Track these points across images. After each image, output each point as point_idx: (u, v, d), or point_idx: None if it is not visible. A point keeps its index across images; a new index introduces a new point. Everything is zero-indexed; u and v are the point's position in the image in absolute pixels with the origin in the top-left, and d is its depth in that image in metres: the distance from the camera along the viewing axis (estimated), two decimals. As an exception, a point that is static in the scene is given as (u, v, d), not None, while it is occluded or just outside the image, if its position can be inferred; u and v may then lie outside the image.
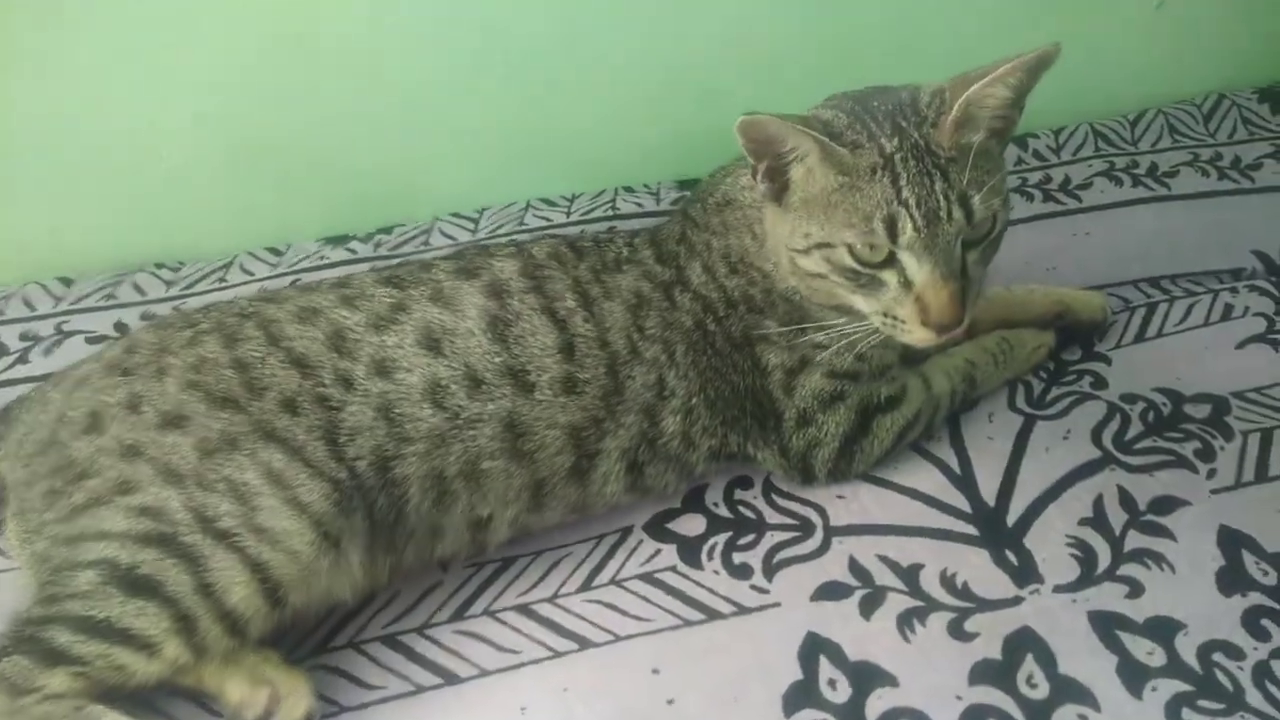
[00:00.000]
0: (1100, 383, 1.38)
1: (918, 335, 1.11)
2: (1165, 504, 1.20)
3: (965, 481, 1.26)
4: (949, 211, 1.05)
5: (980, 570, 1.15)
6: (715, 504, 1.26)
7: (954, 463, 1.28)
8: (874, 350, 1.24)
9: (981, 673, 1.04)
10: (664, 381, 1.21)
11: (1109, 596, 1.11)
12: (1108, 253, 1.58)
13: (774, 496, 1.26)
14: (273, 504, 1.02)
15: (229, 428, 1.06)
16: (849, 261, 1.09)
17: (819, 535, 1.21)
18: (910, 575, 1.15)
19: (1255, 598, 1.09)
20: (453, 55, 1.67)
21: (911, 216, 1.04)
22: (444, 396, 1.13)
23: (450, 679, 1.07)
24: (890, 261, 1.08)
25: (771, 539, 1.21)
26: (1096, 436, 1.30)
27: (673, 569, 1.18)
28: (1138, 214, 1.64)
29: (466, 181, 1.78)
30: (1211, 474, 1.23)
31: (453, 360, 1.14)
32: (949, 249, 1.06)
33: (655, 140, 1.76)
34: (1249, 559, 1.13)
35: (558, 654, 1.09)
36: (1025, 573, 1.14)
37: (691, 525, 1.24)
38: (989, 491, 1.24)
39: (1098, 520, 1.19)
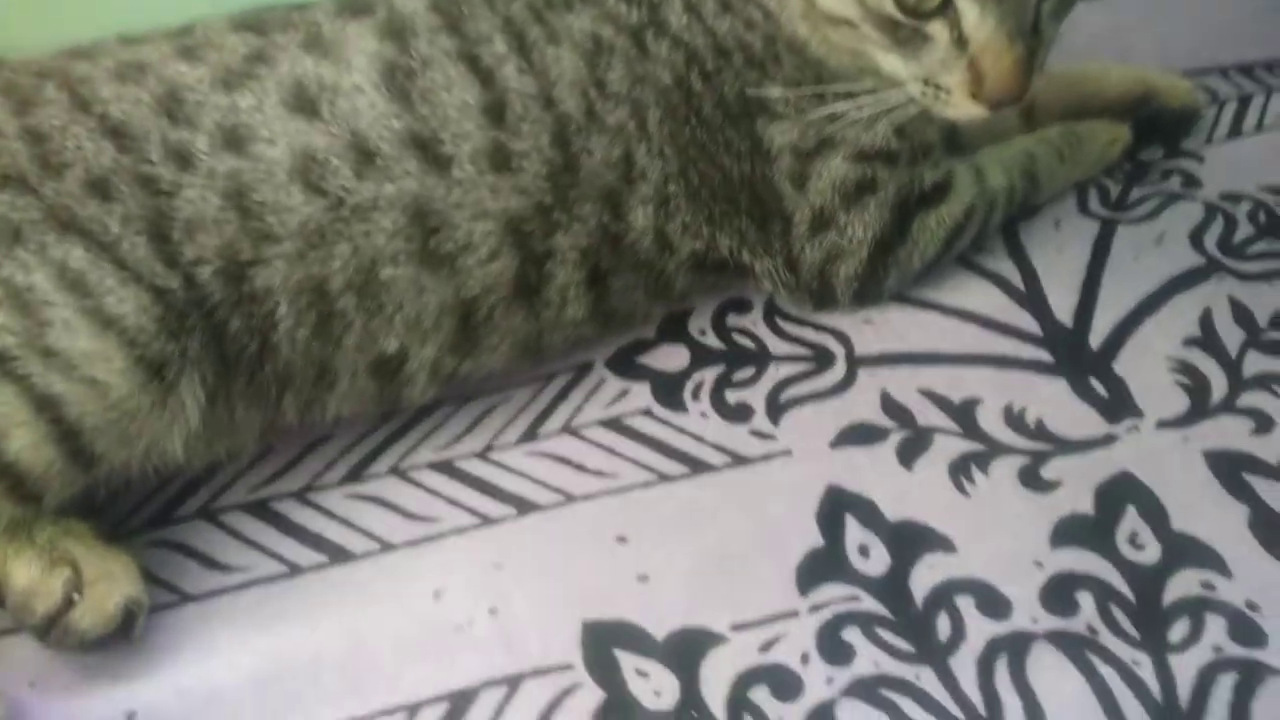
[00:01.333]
0: (1192, 181, 1.08)
1: (963, 109, 0.83)
2: (1292, 317, 0.92)
3: (1032, 299, 0.96)
4: None
5: (1058, 404, 0.87)
6: (701, 331, 0.96)
7: (1015, 277, 0.99)
8: (914, 123, 0.93)
9: (1068, 532, 0.78)
10: (631, 158, 0.90)
11: (1230, 432, 0.85)
12: (1187, 34, 1.26)
13: (779, 321, 0.96)
14: (67, 316, 0.72)
15: (10, 213, 0.75)
16: (889, 7, 0.80)
17: (840, 366, 0.91)
18: (964, 413, 0.87)
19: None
20: None
21: None
22: (321, 175, 0.81)
23: (339, 556, 0.79)
24: (944, 9, 0.79)
25: (777, 372, 0.91)
26: (1197, 240, 1.00)
27: (645, 412, 0.89)
28: (1220, -9, 1.32)
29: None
30: (1344, 283, 0.95)
31: (333, 125, 0.83)
32: None
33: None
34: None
35: (488, 520, 0.81)
36: (1118, 405, 0.87)
37: (670, 358, 0.94)
38: (1064, 309, 0.95)
39: (1207, 339, 0.91)
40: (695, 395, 0.90)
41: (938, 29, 0.80)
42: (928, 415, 0.86)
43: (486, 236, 0.85)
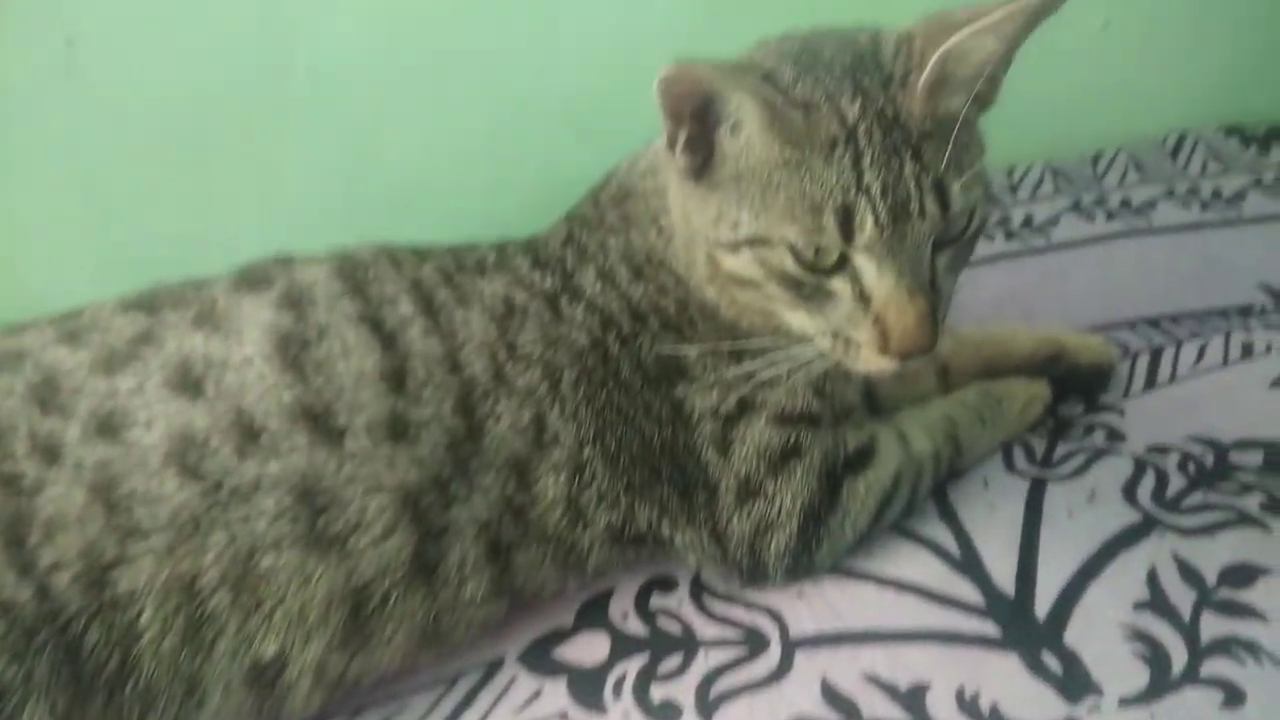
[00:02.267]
0: (1116, 435, 1.07)
1: (874, 363, 0.82)
2: (1240, 574, 0.87)
3: (969, 564, 0.91)
4: (921, 203, 0.77)
5: (1011, 684, 0.80)
6: (624, 615, 0.88)
7: (949, 542, 0.94)
8: (833, 383, 0.91)
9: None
10: (543, 422, 0.86)
11: (1198, 708, 0.77)
12: (1090, 293, 1.30)
13: (707, 600, 0.90)
14: None
15: None
16: (789, 265, 0.80)
17: (775, 650, 0.84)
18: (914, 701, 0.79)
19: (1402, 693, 0.75)
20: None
21: (874, 209, 0.76)
22: (199, 457, 0.76)
23: None
24: (843, 266, 0.79)
25: (706, 661, 0.84)
26: (1130, 495, 0.97)
27: (562, 717, 0.80)
28: (1118, 249, 1.38)
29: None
30: (1289, 533, 0.91)
31: (217, 403, 0.78)
32: (918, 253, 0.79)
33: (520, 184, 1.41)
34: (1375, 639, 0.80)
35: None
36: (1075, 682, 0.80)
37: (589, 649, 0.86)
38: (1003, 575, 0.89)
39: (1157, 602, 0.86)
40: (617, 692, 0.81)
41: (840, 285, 0.80)
42: (874, 707, 0.78)
43: (380, 513, 0.79)
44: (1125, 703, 0.77)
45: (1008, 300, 1.28)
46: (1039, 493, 0.98)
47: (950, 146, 0.78)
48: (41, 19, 1.23)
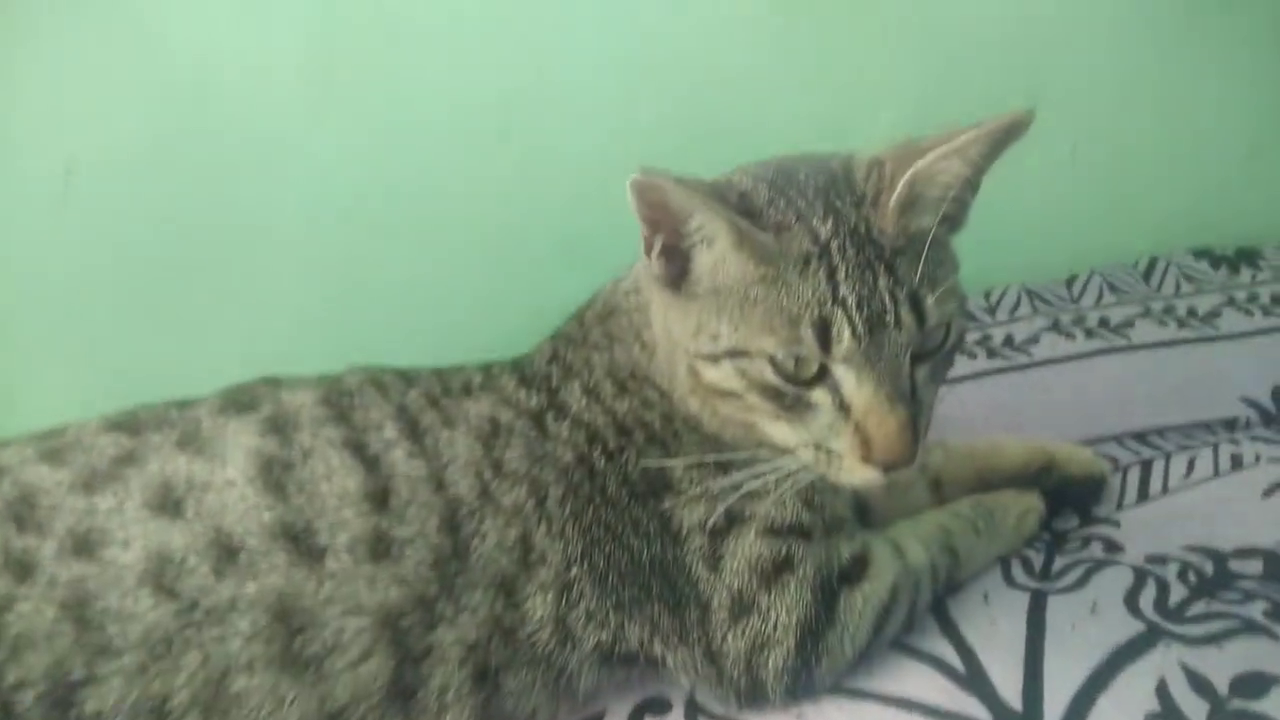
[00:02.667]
0: (1114, 546, 1.06)
1: (858, 474, 0.81)
2: (1253, 684, 0.84)
3: (974, 680, 0.88)
4: (896, 315, 0.79)
5: (1026, 802, 0.75)
6: (615, 740, 0.84)
7: (952, 657, 0.91)
8: (822, 495, 0.90)
9: None
10: (529, 540, 0.84)
11: (1226, 823, 0.73)
12: (1075, 407, 1.31)
13: (702, 722, 0.85)
14: None
15: None
16: (770, 377, 0.81)
17: (776, 775, 0.80)
18: (924, 823, 0.74)
19: None
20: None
21: (850, 320, 0.78)
22: (175, 576, 0.74)
23: None
24: (822, 377, 0.80)
25: (705, 788, 0.79)
26: (1133, 605, 0.95)
27: (551, 847, 0.74)
28: (1100, 366, 1.40)
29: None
30: (1298, 640, 0.88)
31: (196, 522, 0.77)
32: (896, 363, 0.80)
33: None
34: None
35: None
36: (1093, 801, 0.75)
37: (581, 779, 0.81)
38: (1010, 690, 0.86)
39: (1169, 713, 0.83)
40: (610, 823, 0.76)
41: (820, 396, 0.81)
42: (883, 829, 0.74)
43: (359, 634, 0.76)
44: (1147, 819, 0.73)
45: (994, 415, 1.29)
46: (1040, 605, 0.96)
47: (922, 262, 0.80)
48: (42, 148, 1.27)
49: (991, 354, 1.42)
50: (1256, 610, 0.93)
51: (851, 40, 1.53)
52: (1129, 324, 1.48)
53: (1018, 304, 1.57)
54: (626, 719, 0.86)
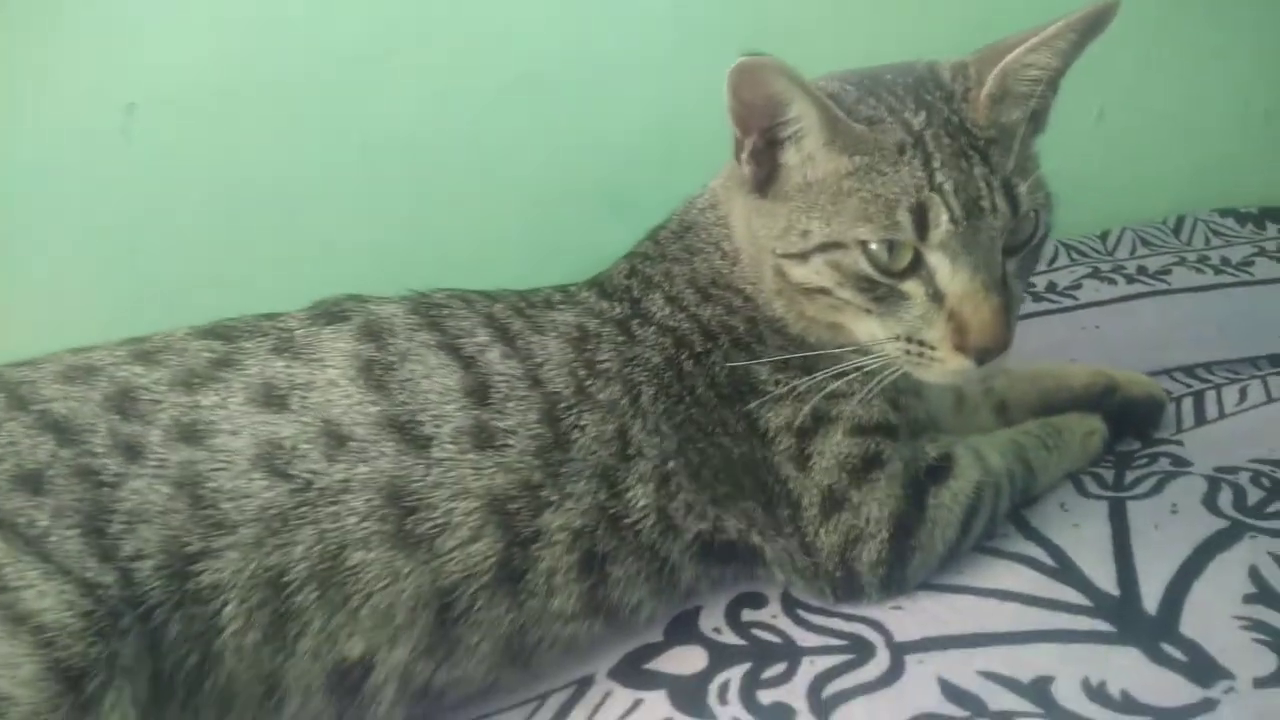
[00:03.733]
0: (1182, 461, 1.06)
1: (951, 365, 0.82)
2: (1343, 570, 0.85)
3: (1067, 572, 0.88)
4: (992, 201, 0.80)
5: (1138, 674, 0.76)
6: (716, 630, 0.83)
7: (1041, 555, 0.91)
8: (905, 396, 0.91)
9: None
10: (627, 435, 0.84)
11: (1337, 685, 0.73)
12: (1126, 344, 1.32)
13: (802, 613, 0.85)
14: None
15: None
16: (864, 267, 0.81)
17: (884, 655, 0.79)
18: (1039, 692, 0.75)
19: None
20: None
21: (948, 205, 0.79)
22: (287, 461, 0.74)
23: None
24: (915, 268, 0.81)
25: (812, 666, 0.79)
26: (1213, 506, 0.95)
27: (668, 724, 0.74)
28: (1143, 307, 1.40)
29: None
30: (1379, 533, 0.89)
31: (303, 415, 0.77)
32: (991, 250, 0.81)
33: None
34: None
35: None
36: (1204, 669, 0.76)
37: (685, 661, 0.81)
38: (1104, 579, 0.86)
39: (1266, 594, 0.83)
40: (722, 699, 0.76)
41: (913, 287, 0.81)
42: (999, 699, 0.74)
43: (468, 516, 0.76)
44: (1261, 683, 0.73)
45: (1047, 352, 1.28)
46: (1120, 510, 0.96)
47: (1014, 153, 0.81)
48: (103, 83, 1.27)
49: (1037, 299, 1.43)
50: (1335, 508, 0.94)
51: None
52: (1167, 271, 1.49)
53: (1055, 256, 1.58)
54: (725, 610, 0.85)
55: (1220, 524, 0.92)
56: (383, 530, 0.73)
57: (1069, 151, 1.64)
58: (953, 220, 0.78)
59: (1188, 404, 1.20)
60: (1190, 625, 0.80)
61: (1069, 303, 1.42)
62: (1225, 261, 1.53)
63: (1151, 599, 0.83)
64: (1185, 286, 1.45)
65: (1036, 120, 0.88)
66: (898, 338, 0.83)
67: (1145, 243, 1.63)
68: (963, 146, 0.81)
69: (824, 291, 0.84)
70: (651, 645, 0.82)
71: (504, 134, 1.45)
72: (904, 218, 0.79)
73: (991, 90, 0.82)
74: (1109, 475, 1.04)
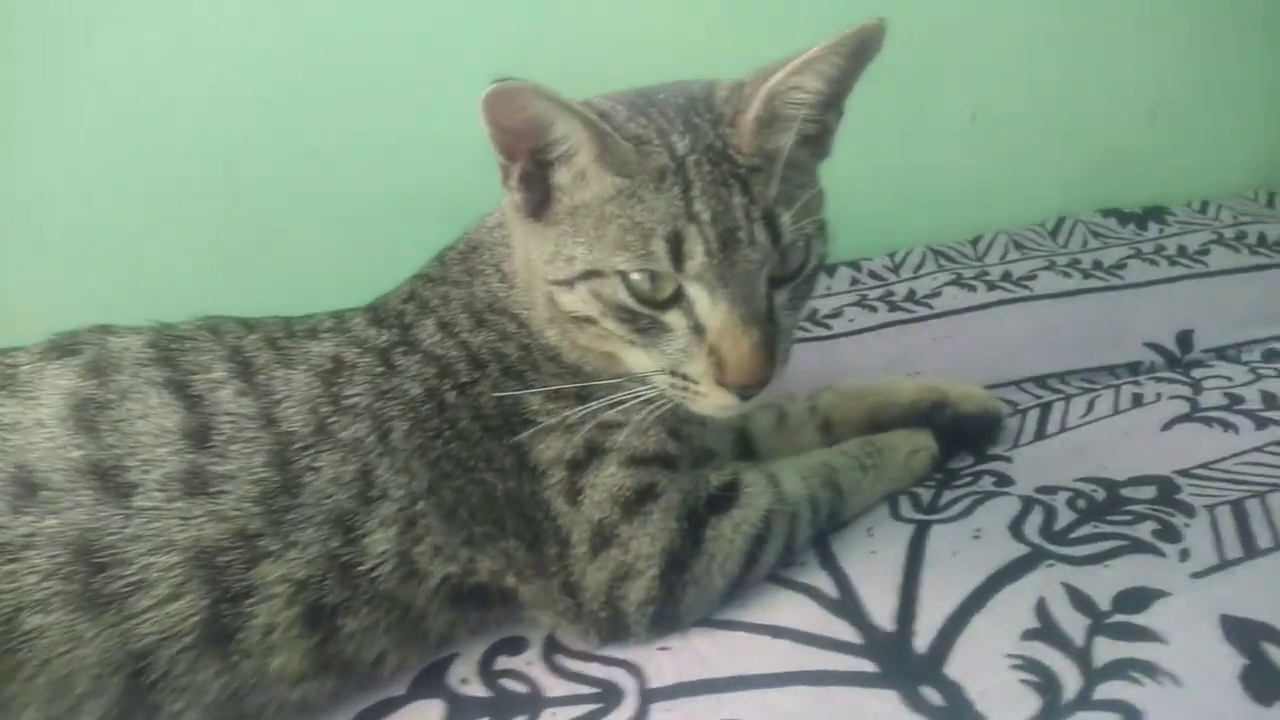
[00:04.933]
0: (1005, 480, 1.02)
1: (714, 399, 0.79)
2: (1135, 598, 0.81)
3: (847, 606, 0.84)
4: (750, 232, 0.76)
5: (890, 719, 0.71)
6: (463, 680, 0.79)
7: (828, 586, 0.87)
8: (690, 426, 0.87)
9: None
10: (370, 475, 0.80)
11: (1095, 731, 0.69)
12: (977, 355, 1.28)
13: (560, 659, 0.81)
14: None
15: None
16: (623, 297, 0.77)
17: (630, 704, 0.76)
18: (780, 744, 0.70)
19: (1311, 703, 0.68)
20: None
21: (704, 236, 0.75)
22: None
23: None
24: (677, 299, 0.77)
25: (553, 718, 0.74)
26: (1017, 531, 0.92)
27: (383, 788, 0.69)
28: (1002, 315, 1.37)
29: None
30: (1184, 555, 0.86)
31: None
32: (750, 282, 0.77)
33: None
34: (1277, 653, 0.74)
35: None
36: (959, 714, 0.72)
37: (420, 716, 0.77)
38: (883, 613, 0.83)
39: (1047, 630, 0.79)
40: (448, 759, 0.71)
41: (674, 318, 0.78)
42: (735, 752, 0.70)
43: (167, 571, 0.71)
44: (1014, 730, 0.70)
45: (896, 365, 1.26)
46: (923, 535, 0.92)
47: (777, 180, 0.77)
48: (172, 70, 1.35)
49: (893, 308, 1.39)
50: (1145, 530, 0.90)
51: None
52: (1032, 276, 1.46)
53: (922, 262, 1.54)
54: (480, 659, 0.81)
55: (1020, 550, 0.88)
56: (66, 590, 0.69)
57: (941, 155, 1.63)
58: (708, 252, 0.75)
59: (1033, 417, 1.16)
60: (957, 665, 0.76)
61: (924, 312, 1.38)
62: (1097, 265, 1.49)
63: (925, 636, 0.79)
64: (1048, 293, 1.42)
65: (815, 145, 0.84)
66: (664, 371, 0.79)
67: (1019, 247, 1.59)
68: (724, 174, 0.77)
69: (590, 320, 0.80)
70: (391, 700, 0.78)
71: (347, 149, 1.42)
72: (659, 247, 0.75)
73: (758, 114, 0.78)
74: (927, 496, 1.01)
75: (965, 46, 1.59)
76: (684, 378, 0.79)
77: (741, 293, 0.76)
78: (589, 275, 0.78)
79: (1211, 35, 1.72)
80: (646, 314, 0.78)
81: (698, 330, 0.77)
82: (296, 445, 0.79)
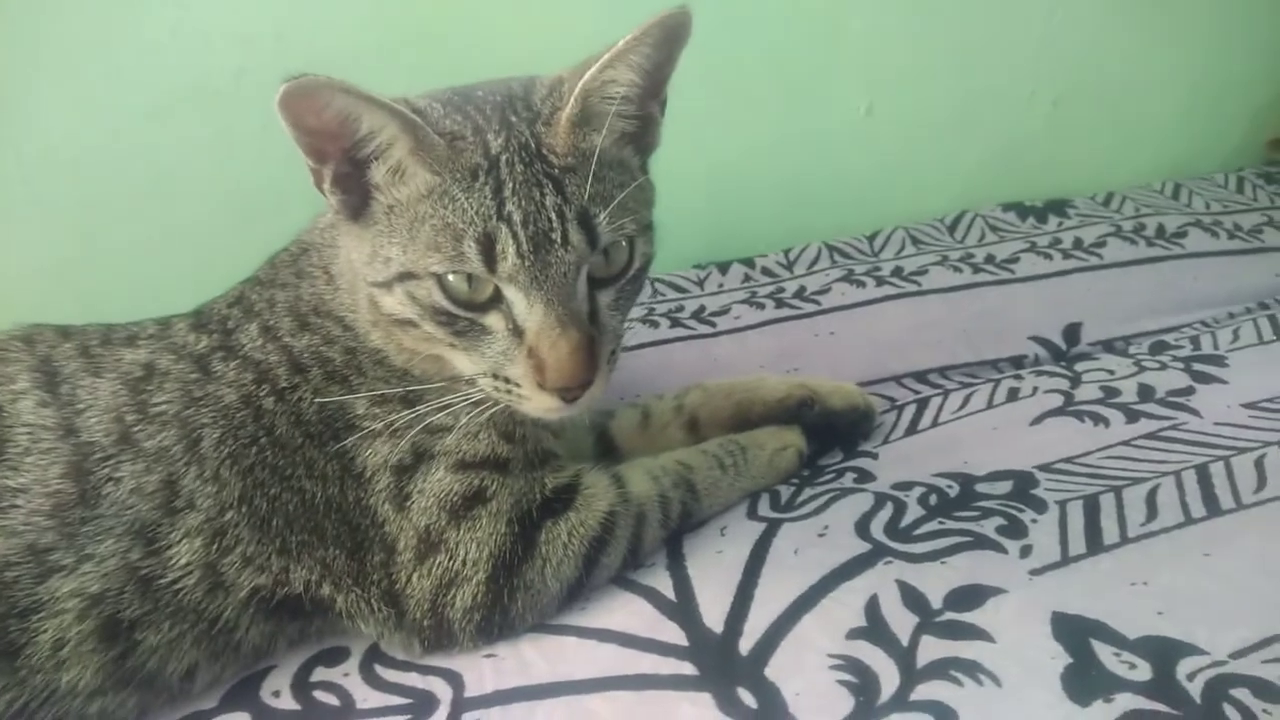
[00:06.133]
0: (866, 477, 1.02)
1: (538, 402, 0.77)
2: (969, 596, 0.81)
3: (681, 609, 0.83)
4: (564, 233, 0.74)
5: (698, 725, 0.70)
6: (275, 693, 0.77)
7: (667, 588, 0.86)
8: (525, 428, 0.85)
9: None
10: (176, 485, 0.77)
11: (905, 734, 0.69)
12: (859, 350, 1.28)
13: (380, 669, 0.79)
14: None
15: None
16: (439, 300, 0.76)
17: (442, 714, 0.74)
18: (586, 751, 0.69)
19: (1125, 700, 0.69)
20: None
21: (515, 237, 0.73)
22: None
23: None
24: (496, 301, 0.76)
25: (358, 732, 0.72)
26: (863, 528, 0.91)
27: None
28: (888, 310, 1.37)
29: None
30: (1026, 551, 0.86)
31: None
32: (567, 284, 0.75)
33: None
34: (1104, 650, 0.74)
35: None
36: (770, 716, 0.71)
37: (222, 732, 0.74)
38: (714, 615, 0.82)
39: (874, 629, 0.78)
40: (247, 773, 0.69)
41: (493, 320, 0.76)
42: (539, 760, 0.68)
43: None
44: (820, 732, 0.69)
45: (779, 361, 1.25)
46: (770, 534, 0.91)
47: (592, 180, 0.76)
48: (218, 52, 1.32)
49: (781, 304, 1.38)
50: (990, 526, 0.89)
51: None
52: (922, 272, 1.45)
53: (817, 259, 1.53)
54: (297, 670, 0.79)
55: (862, 548, 0.88)
56: None
57: (834, 150, 1.62)
58: (520, 253, 0.73)
59: (908, 413, 1.16)
60: (778, 667, 0.75)
61: (810, 309, 1.37)
62: (990, 259, 1.49)
63: (751, 637, 0.78)
64: (936, 288, 1.41)
65: (638, 139, 0.83)
66: (487, 374, 0.78)
67: (916, 242, 1.59)
68: (537, 174, 0.75)
69: (411, 323, 0.79)
70: (200, 713, 0.76)
71: (170, 148, 1.40)
72: (471, 249, 0.73)
73: (573, 111, 0.77)
74: (786, 494, 1.00)
75: (859, 37, 1.58)
76: (506, 380, 0.77)
77: (559, 294, 0.74)
78: (405, 277, 0.77)
79: (1114, 23, 1.72)
80: (465, 316, 0.76)
81: (517, 333, 0.76)
82: (96, 455, 0.76)
